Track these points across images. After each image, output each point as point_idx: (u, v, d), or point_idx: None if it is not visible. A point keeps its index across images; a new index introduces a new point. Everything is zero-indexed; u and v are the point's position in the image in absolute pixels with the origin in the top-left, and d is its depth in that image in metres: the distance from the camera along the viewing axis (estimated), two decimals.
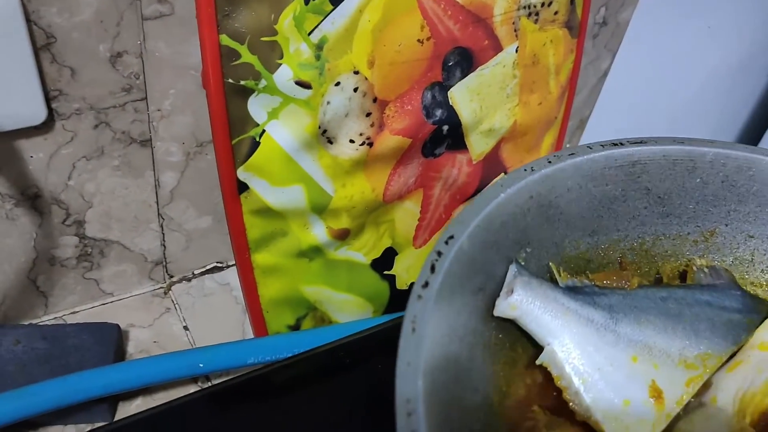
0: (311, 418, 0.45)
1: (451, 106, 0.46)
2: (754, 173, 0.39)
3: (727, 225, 0.39)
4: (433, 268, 0.29)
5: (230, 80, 0.38)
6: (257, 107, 0.40)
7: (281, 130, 0.41)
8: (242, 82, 0.39)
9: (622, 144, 0.38)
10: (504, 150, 0.51)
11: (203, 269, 0.56)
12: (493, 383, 0.31)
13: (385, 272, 0.51)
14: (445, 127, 0.46)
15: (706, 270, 0.38)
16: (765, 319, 0.36)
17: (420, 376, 0.26)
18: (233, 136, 0.40)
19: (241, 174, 0.41)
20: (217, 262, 0.56)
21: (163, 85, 0.43)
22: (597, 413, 0.30)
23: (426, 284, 0.29)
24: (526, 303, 0.32)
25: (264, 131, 0.41)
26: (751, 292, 0.39)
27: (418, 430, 0.24)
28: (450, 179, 0.49)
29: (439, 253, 0.30)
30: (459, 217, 0.32)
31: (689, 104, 0.81)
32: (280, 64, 0.39)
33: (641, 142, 0.38)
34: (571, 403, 0.31)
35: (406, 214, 0.49)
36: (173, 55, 0.42)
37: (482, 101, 0.47)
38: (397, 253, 0.50)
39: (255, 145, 0.41)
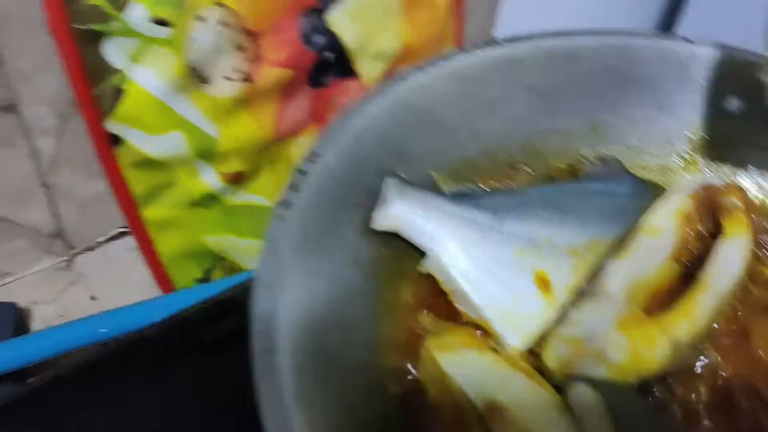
0: (229, 361, 0.43)
1: (331, 31, 0.44)
2: (635, 57, 0.38)
3: (612, 114, 0.39)
4: (295, 187, 0.28)
5: (76, 25, 0.36)
6: (115, 52, 0.38)
7: (146, 75, 0.39)
8: (90, 26, 0.36)
9: (498, 44, 0.36)
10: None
11: (106, 237, 0.53)
12: (377, 297, 0.30)
13: None
14: (330, 54, 0.45)
15: (595, 161, 0.38)
16: None
17: (281, 295, 0.24)
18: (94, 85, 0.38)
19: (112, 126, 0.39)
20: (121, 228, 0.54)
21: (17, 42, 0.40)
22: (485, 311, 0.29)
23: (287, 204, 0.27)
24: (404, 213, 0.31)
25: (127, 77, 0.38)
26: (644, 177, 0.38)
27: (276, 347, 0.23)
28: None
29: (302, 172, 0.29)
30: (324, 134, 0.30)
31: (600, 5, 0.80)
32: (130, 2, 0.36)
33: (516, 39, 0.37)
34: (459, 306, 0.30)
35: (304, 151, 0.47)
36: (19, 8, 0.39)
37: (365, 24, 0.45)
38: None
39: (120, 93, 0.39)
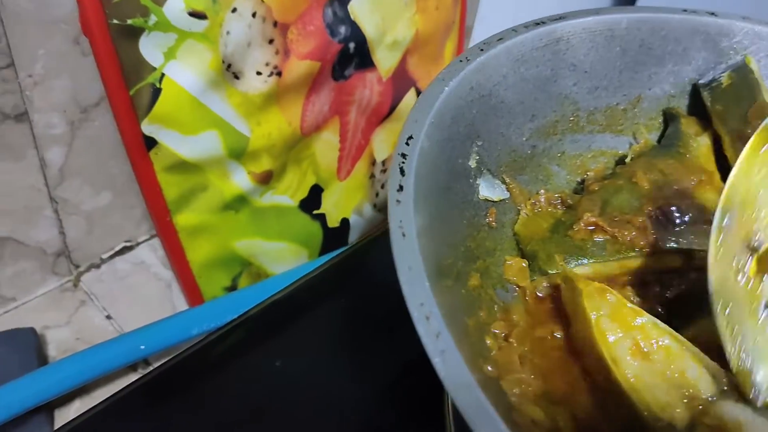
0: (267, 378, 0.42)
1: (354, 21, 0.43)
2: (667, 33, 0.39)
3: (650, 89, 0.40)
4: (402, 171, 0.27)
5: (115, 21, 0.34)
6: (151, 48, 0.35)
7: (182, 71, 0.37)
8: (129, 21, 0.34)
9: (543, 23, 0.37)
10: (410, 63, 0.49)
11: (112, 252, 0.50)
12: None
13: (315, 212, 0.48)
14: (352, 45, 0.44)
15: None
16: None
17: (425, 277, 0.24)
18: (130, 85, 0.36)
19: (147, 128, 0.37)
20: (126, 242, 0.51)
21: (31, 45, 0.38)
22: None
23: (401, 188, 0.27)
24: None
25: (163, 75, 0.36)
26: None
27: (442, 332, 0.22)
28: (363, 101, 0.47)
29: (404, 155, 0.28)
30: (411, 117, 0.29)
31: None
32: None
33: (561, 18, 0.37)
34: None
35: (326, 146, 0.46)
36: (37, 9, 0.36)
37: (383, 12, 0.45)
38: (323, 190, 0.48)
39: (156, 92, 0.36)
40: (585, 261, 0.32)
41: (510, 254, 0.34)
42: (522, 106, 0.36)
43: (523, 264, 0.33)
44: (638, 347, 0.24)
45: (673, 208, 0.34)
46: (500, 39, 0.35)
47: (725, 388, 0.23)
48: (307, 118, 0.43)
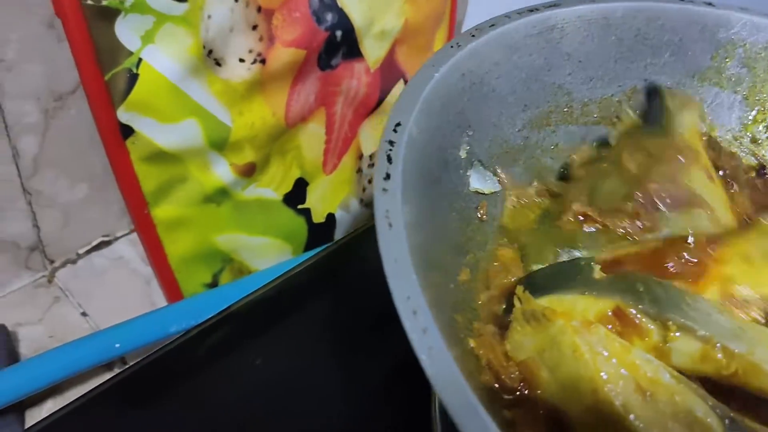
0: (247, 378, 0.40)
1: (341, 8, 0.42)
2: (664, 23, 0.38)
3: (645, 80, 0.38)
4: (389, 158, 0.26)
5: (89, 1, 0.32)
6: (127, 31, 0.34)
7: (160, 56, 0.35)
8: (104, 2, 0.32)
9: (537, 9, 0.35)
10: (399, 54, 0.48)
11: (88, 247, 0.48)
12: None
13: (299, 206, 0.46)
14: (339, 33, 0.42)
15: None
16: None
17: (412, 270, 0.22)
18: (105, 70, 0.34)
19: (123, 115, 0.35)
20: (104, 236, 0.49)
21: (1, 29, 0.36)
22: None
23: (388, 176, 0.25)
24: None
25: (140, 60, 0.35)
26: None
27: (429, 328, 0.21)
28: (351, 92, 0.45)
29: (392, 142, 0.26)
30: (399, 104, 0.28)
31: None
32: None
33: (555, 5, 0.36)
34: None
35: (312, 138, 0.45)
36: None
37: (371, 1, 0.43)
38: (308, 183, 0.46)
39: (133, 77, 0.35)
40: (577, 253, 0.31)
41: (503, 248, 0.33)
42: (514, 95, 0.35)
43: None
44: (640, 387, 0.22)
45: (663, 194, 0.33)
46: (492, 25, 0.34)
47: (728, 421, 0.21)
48: (292, 109, 0.42)
